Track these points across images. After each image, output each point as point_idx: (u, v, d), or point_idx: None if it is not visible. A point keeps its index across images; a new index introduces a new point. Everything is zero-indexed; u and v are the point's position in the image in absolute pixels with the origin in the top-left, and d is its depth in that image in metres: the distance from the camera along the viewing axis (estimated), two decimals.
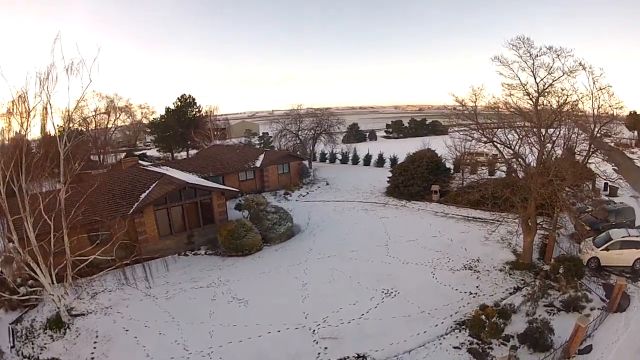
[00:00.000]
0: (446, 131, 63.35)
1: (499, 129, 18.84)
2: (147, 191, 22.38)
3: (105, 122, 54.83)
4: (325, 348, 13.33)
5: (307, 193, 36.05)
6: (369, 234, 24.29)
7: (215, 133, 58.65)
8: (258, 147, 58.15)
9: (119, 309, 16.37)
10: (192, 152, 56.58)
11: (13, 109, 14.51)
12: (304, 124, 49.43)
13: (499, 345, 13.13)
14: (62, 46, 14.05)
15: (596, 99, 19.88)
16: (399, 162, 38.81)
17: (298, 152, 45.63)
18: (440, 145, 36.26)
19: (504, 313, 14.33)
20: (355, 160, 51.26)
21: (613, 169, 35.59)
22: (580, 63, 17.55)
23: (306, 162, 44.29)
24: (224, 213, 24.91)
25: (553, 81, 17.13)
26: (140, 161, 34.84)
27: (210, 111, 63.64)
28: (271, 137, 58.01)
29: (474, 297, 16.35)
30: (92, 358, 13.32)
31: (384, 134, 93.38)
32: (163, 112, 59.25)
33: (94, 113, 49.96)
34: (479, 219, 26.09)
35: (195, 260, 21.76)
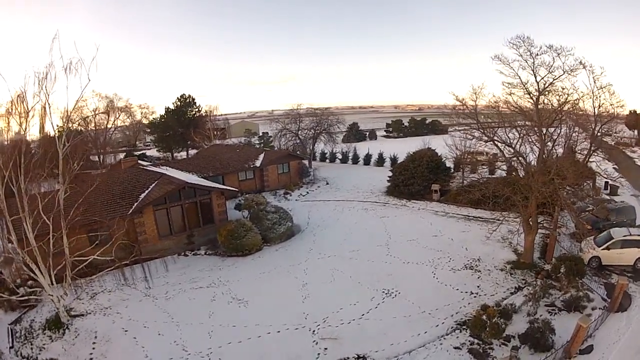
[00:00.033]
0: (446, 130, 63.28)
1: (500, 128, 18.78)
2: (147, 191, 22.31)
3: (105, 122, 54.75)
4: (325, 349, 13.27)
5: (307, 193, 35.99)
6: (370, 234, 24.22)
7: (215, 133, 58.60)
8: (258, 146, 58.08)
9: (118, 309, 16.31)
10: (192, 152, 56.51)
11: (12, 109, 14.46)
12: (304, 124, 49.40)
13: (500, 346, 13.06)
14: (60, 45, 13.91)
15: (597, 97, 19.83)
16: (399, 162, 38.76)
17: (298, 152, 45.57)
18: (440, 145, 36.20)
19: (505, 313, 14.27)
20: (355, 160, 51.19)
21: (613, 167, 35.54)
22: (580, 62, 17.53)
23: (306, 162, 44.22)
24: (223, 213, 24.84)
25: (554, 80, 17.07)
26: (139, 161, 34.75)
27: (210, 111, 63.66)
28: (271, 136, 57.94)
29: (474, 297, 16.28)
30: (91, 359, 13.26)
31: (384, 133, 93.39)
32: (163, 112, 59.28)
33: (93, 113, 49.82)
34: (480, 218, 26.01)
35: (195, 260, 21.69)
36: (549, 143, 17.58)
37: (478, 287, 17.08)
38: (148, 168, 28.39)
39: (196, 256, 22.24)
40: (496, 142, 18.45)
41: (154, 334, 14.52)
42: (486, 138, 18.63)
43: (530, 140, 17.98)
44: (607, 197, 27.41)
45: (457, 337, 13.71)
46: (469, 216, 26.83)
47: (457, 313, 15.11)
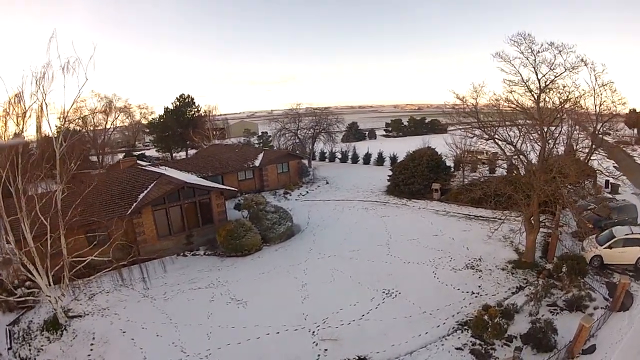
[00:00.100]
0: (445, 129, 63.21)
1: (500, 127, 18.67)
2: (146, 191, 22.20)
3: (104, 122, 54.65)
4: (325, 350, 13.14)
5: (307, 192, 35.87)
6: (370, 233, 24.09)
7: (214, 133, 58.52)
8: (257, 146, 57.99)
9: (117, 310, 16.20)
10: (191, 152, 56.44)
11: (9, 109, 14.34)
12: (303, 123, 49.32)
13: (502, 346, 12.93)
14: (58, 45, 13.80)
15: (598, 95, 19.71)
16: (398, 161, 38.65)
17: (297, 152, 45.48)
18: (440, 144, 36.07)
19: (507, 313, 14.14)
20: (355, 159, 51.10)
21: (614, 166, 35.44)
22: (582, 59, 17.44)
23: (306, 161, 44.14)
24: (223, 213, 24.71)
25: (555, 77, 16.96)
26: (138, 161, 34.65)
27: (209, 111, 63.57)
28: (270, 136, 57.86)
29: (476, 296, 16.15)
30: None
31: (384, 132, 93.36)
32: (162, 112, 59.20)
33: (90, 112, 49.67)
34: (481, 217, 25.90)
35: (193, 260, 21.57)
36: (550, 141, 17.46)
37: (479, 286, 16.95)
38: (147, 168, 28.28)
39: (195, 256, 22.12)
40: (497, 141, 18.34)
41: (152, 335, 14.39)
42: (487, 136, 18.52)
43: (531, 138, 17.86)
44: (609, 196, 27.33)
45: (459, 337, 13.57)
46: (469, 215, 26.72)
47: (458, 313, 14.98)
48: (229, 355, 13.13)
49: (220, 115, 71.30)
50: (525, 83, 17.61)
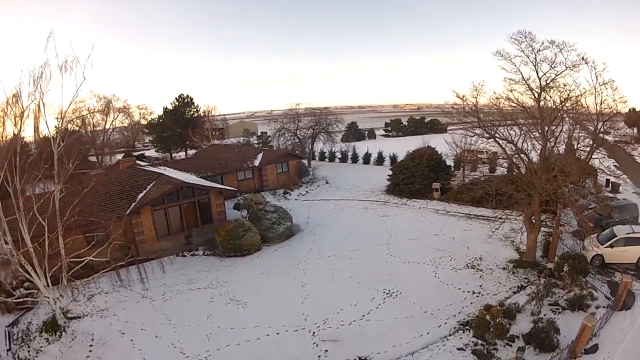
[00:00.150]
0: (445, 129, 63.18)
1: (501, 126, 18.59)
2: (145, 191, 22.08)
3: (103, 123, 54.55)
4: (326, 351, 13.03)
5: (307, 192, 35.78)
6: (370, 233, 23.99)
7: (214, 133, 58.43)
8: (256, 146, 57.91)
9: (115, 311, 16.09)
10: (191, 152, 56.35)
11: (7, 109, 14.26)
12: (303, 123, 49.27)
13: (504, 346, 12.84)
14: (55, 44, 13.76)
15: (599, 94, 19.63)
16: (398, 160, 38.57)
17: (297, 151, 45.39)
18: (440, 143, 35.99)
19: (509, 313, 14.04)
20: (355, 159, 51.05)
21: (614, 165, 35.39)
22: (582, 57, 17.36)
23: (305, 161, 44.06)
24: (222, 213, 24.60)
25: (556, 75, 16.88)
26: (138, 161, 34.56)
27: (209, 111, 63.50)
28: (270, 136, 57.80)
29: (477, 296, 16.06)
30: None
31: (383, 132, 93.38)
32: (161, 113, 59.12)
33: (88, 112, 49.58)
34: (481, 216, 25.82)
35: (193, 261, 21.46)
36: (551, 139, 17.38)
37: (480, 286, 16.86)
38: (146, 168, 28.19)
39: (194, 257, 22.02)
40: (497, 140, 18.25)
41: (151, 336, 14.28)
42: (487, 135, 18.43)
43: (532, 136, 17.77)
44: (610, 195, 27.25)
45: (460, 337, 13.47)
46: (470, 214, 26.64)
47: (459, 313, 14.88)
48: (228, 356, 13.02)
49: (220, 115, 71.30)
50: (526, 81, 17.54)
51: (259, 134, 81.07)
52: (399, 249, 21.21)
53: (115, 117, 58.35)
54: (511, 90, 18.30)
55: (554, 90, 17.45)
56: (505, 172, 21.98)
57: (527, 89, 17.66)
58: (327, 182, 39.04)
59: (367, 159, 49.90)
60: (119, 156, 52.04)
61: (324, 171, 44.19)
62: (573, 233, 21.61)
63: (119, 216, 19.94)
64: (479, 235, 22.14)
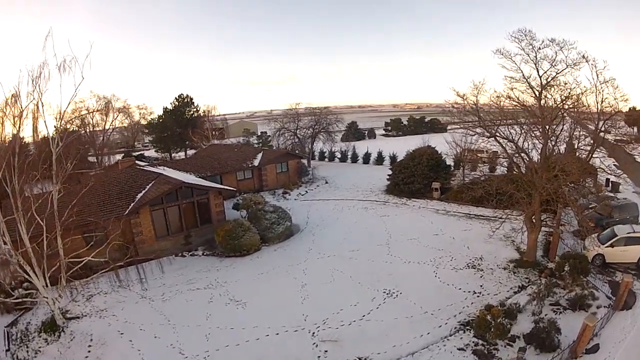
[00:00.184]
0: (445, 129, 63.09)
1: (501, 125, 18.53)
2: (144, 191, 22.01)
3: (103, 123, 54.48)
4: (326, 351, 12.96)
5: (306, 192, 35.71)
6: (370, 233, 23.92)
7: (213, 133, 58.38)
8: (256, 146, 57.85)
9: (114, 311, 16.04)
10: (190, 152, 56.29)
11: (6, 110, 14.20)
12: (303, 123, 49.18)
13: (505, 347, 12.77)
14: (54, 43, 13.72)
15: (599, 92, 19.56)
16: (398, 160, 38.51)
17: (296, 151, 45.32)
18: (440, 143, 35.95)
19: (510, 313, 13.96)
20: (355, 159, 50.99)
21: (614, 164, 35.26)
22: (583, 55, 17.29)
23: (305, 161, 43.99)
24: (221, 213, 24.52)
25: (557, 74, 16.82)
26: (137, 161, 34.50)
27: (208, 111, 63.46)
28: (269, 136, 57.72)
29: (477, 296, 15.99)
30: None
31: (383, 132, 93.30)
32: (161, 113, 59.05)
33: (87, 112, 49.53)
34: (481, 216, 25.76)
35: (192, 261, 21.39)
36: (552, 138, 17.31)
37: (481, 286, 16.79)
38: (145, 168, 28.12)
39: (193, 257, 21.95)
40: (498, 139, 18.18)
41: (150, 336, 14.22)
42: (488, 134, 18.36)
43: (533, 135, 17.70)
44: (611, 194, 27.19)
45: (461, 337, 13.39)
46: (470, 214, 26.58)
47: (460, 313, 14.80)
48: (227, 356, 12.95)
49: (220, 115, 71.30)
50: (527, 80, 17.48)
51: (259, 133, 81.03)
52: (399, 249, 21.14)
53: (115, 117, 58.31)
54: (512, 89, 18.25)
55: (554, 89, 17.38)
56: (505, 172, 21.89)
57: (528, 87, 17.60)
58: (326, 182, 38.97)
59: (366, 158, 49.83)
60: (119, 156, 51.96)
61: (324, 171, 44.11)
62: (574, 233, 21.55)
63: (118, 216, 19.86)
64: (480, 235, 22.07)
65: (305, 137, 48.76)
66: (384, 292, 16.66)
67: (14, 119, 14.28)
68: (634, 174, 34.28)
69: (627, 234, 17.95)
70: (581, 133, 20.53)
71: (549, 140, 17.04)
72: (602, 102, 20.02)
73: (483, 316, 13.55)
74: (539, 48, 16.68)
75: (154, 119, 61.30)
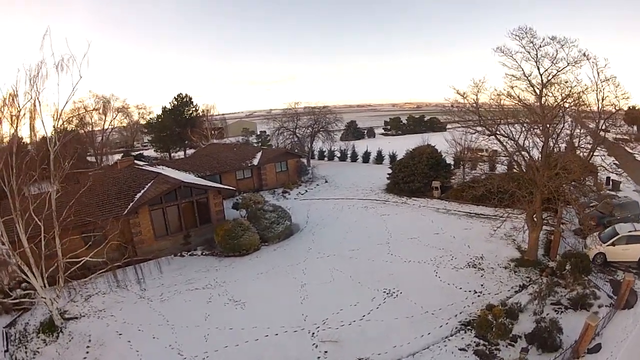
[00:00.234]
0: (445, 127, 62.95)
1: (502, 124, 18.43)
2: (142, 191, 21.91)
3: (102, 122, 54.36)
4: (325, 352, 12.86)
5: (306, 191, 35.62)
6: (370, 232, 23.82)
7: (213, 132, 58.28)
8: (255, 145, 57.76)
9: (113, 312, 15.95)
10: (190, 151, 56.20)
11: (3, 109, 14.10)
12: (302, 122, 49.07)
13: (507, 347, 12.69)
14: (52, 42, 13.62)
15: (600, 90, 19.45)
16: (398, 159, 38.42)
17: (296, 150, 45.22)
18: (440, 142, 35.86)
19: (512, 312, 13.87)
20: (354, 158, 50.92)
21: (614, 163, 35.18)
22: (584, 53, 17.17)
23: (304, 160, 43.89)
24: (221, 212, 24.41)
25: (557, 72, 16.73)
26: (136, 161, 34.41)
27: (208, 110, 63.32)
28: (269, 135, 57.62)
29: (478, 296, 15.89)
30: None
31: (382, 131, 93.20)
32: (160, 112, 58.93)
33: (85, 111, 49.37)
34: (482, 215, 25.68)
35: (191, 261, 21.29)
36: (554, 136, 17.21)
37: (482, 285, 16.70)
38: (144, 168, 28.03)
39: (192, 257, 21.85)
40: (498, 137, 18.07)
41: (148, 337, 14.13)
42: (488, 132, 18.25)
43: (534, 133, 17.60)
44: (612, 193, 27.11)
45: (462, 338, 13.30)
46: (470, 213, 26.49)
47: (461, 313, 14.71)
48: (226, 357, 12.85)
49: (219, 114, 71.16)
50: (527, 77, 17.38)
51: (258, 133, 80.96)
52: (399, 248, 21.05)
53: (114, 116, 58.21)
54: (512, 87, 18.14)
55: (555, 87, 17.29)
56: (506, 170, 21.80)
57: (529, 85, 17.51)
58: (326, 181, 38.86)
59: (366, 157, 49.74)
60: (118, 156, 51.85)
61: (323, 170, 44.00)
62: (575, 231, 21.47)
63: (117, 216, 19.73)
64: (480, 234, 21.99)
65: (304, 136, 48.67)
66: (384, 291, 16.56)
67: (11, 118, 14.18)
68: (634, 172, 34.21)
69: (628, 233, 17.86)
70: (581, 131, 20.40)
71: (549, 139, 16.94)
72: (602, 100, 19.90)
73: (484, 316, 13.47)
74: (540, 46, 16.60)
75: (153, 119, 61.21)
